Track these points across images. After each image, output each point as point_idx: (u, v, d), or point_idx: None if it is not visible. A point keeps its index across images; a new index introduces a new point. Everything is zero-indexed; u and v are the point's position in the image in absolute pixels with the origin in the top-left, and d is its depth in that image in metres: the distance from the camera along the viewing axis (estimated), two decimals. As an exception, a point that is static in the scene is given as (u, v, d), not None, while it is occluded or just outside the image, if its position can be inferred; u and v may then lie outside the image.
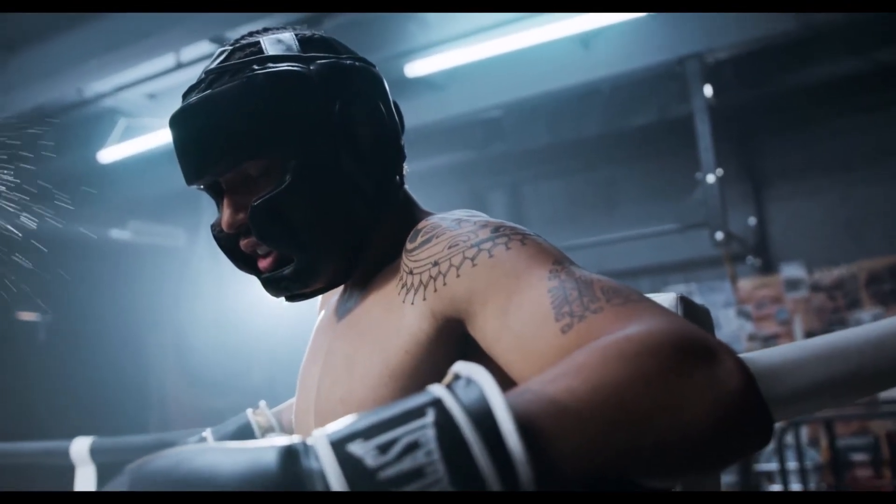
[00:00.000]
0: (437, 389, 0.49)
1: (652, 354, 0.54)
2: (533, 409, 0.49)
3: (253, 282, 0.94)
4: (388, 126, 0.91)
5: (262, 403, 1.28)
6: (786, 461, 3.73)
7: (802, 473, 3.97)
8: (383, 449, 0.45)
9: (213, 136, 0.85)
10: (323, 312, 1.11)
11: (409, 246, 0.83)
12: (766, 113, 5.22)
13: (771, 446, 3.81)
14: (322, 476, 0.44)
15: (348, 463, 0.44)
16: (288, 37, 0.90)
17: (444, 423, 0.46)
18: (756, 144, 5.49)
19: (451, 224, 0.81)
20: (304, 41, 0.91)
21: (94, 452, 1.83)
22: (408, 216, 0.93)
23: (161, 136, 4.62)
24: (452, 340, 0.78)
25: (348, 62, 0.90)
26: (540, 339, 0.66)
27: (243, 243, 0.89)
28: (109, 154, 5.01)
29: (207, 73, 0.88)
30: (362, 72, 0.91)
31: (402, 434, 0.46)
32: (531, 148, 5.54)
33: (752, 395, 0.54)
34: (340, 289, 1.00)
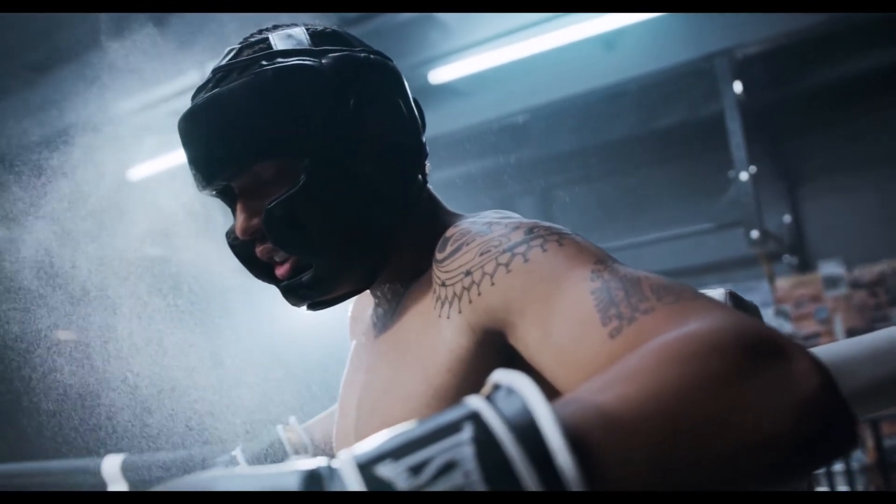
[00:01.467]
0: (474, 402, 0.44)
1: (715, 355, 0.48)
2: (582, 422, 0.43)
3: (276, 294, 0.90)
4: (406, 122, 0.86)
5: (293, 419, 1.25)
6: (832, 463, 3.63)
7: (849, 475, 3.86)
8: (415, 470, 0.40)
9: (221, 138, 0.80)
10: (356, 327, 1.06)
11: (438, 256, 0.79)
12: (799, 108, 5.13)
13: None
14: None
15: (377, 488, 0.40)
16: (298, 31, 0.86)
17: (484, 439, 0.41)
18: (788, 141, 5.39)
19: (482, 228, 0.76)
20: (315, 35, 0.86)
21: (126, 470, 1.81)
22: (433, 219, 0.88)
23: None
24: (495, 353, 0.72)
25: (362, 55, 0.85)
26: (586, 346, 0.60)
27: (259, 250, 0.85)
28: (139, 171, 5.05)
29: (215, 71, 0.84)
30: (377, 65, 0.85)
31: (437, 453, 0.41)
32: (559, 152, 5.49)
33: (832, 395, 0.48)
34: (372, 302, 0.95)
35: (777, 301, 5.18)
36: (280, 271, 0.85)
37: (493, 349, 0.72)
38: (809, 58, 4.56)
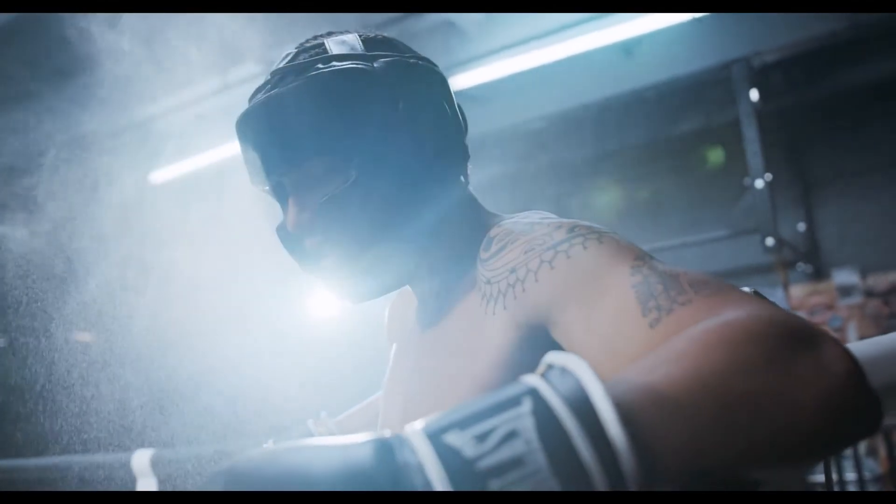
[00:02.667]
0: (531, 379, 0.47)
1: (754, 340, 0.52)
2: (632, 398, 0.47)
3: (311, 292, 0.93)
4: (451, 125, 0.91)
5: (324, 414, 1.28)
6: (843, 472, 3.62)
7: (861, 485, 3.85)
8: (481, 438, 0.43)
9: (278, 135, 0.85)
10: (395, 327, 1.10)
11: (483, 255, 0.82)
12: (815, 116, 5.13)
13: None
14: (420, 469, 0.43)
15: (446, 454, 0.43)
16: (352, 38, 0.90)
17: (542, 411, 0.44)
18: (804, 148, 5.38)
19: (525, 227, 0.80)
20: (367, 41, 0.91)
21: (155, 464, 1.84)
22: (475, 219, 0.92)
23: (209, 157, 4.70)
24: (539, 348, 0.74)
25: (412, 61, 0.89)
26: (628, 337, 0.63)
27: (309, 243, 0.88)
28: (161, 175, 5.10)
29: (273, 73, 0.88)
30: (426, 70, 0.90)
31: (500, 423, 0.44)
32: (577, 158, 5.51)
33: (860, 380, 0.52)
34: (413, 302, 0.99)
35: (791, 309, 5.18)
36: (326, 263, 0.88)
37: (538, 344, 0.74)
38: (826, 65, 4.56)
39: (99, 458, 2.01)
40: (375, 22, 3.76)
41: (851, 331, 5.06)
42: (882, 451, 4.26)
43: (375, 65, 0.86)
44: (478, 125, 4.76)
